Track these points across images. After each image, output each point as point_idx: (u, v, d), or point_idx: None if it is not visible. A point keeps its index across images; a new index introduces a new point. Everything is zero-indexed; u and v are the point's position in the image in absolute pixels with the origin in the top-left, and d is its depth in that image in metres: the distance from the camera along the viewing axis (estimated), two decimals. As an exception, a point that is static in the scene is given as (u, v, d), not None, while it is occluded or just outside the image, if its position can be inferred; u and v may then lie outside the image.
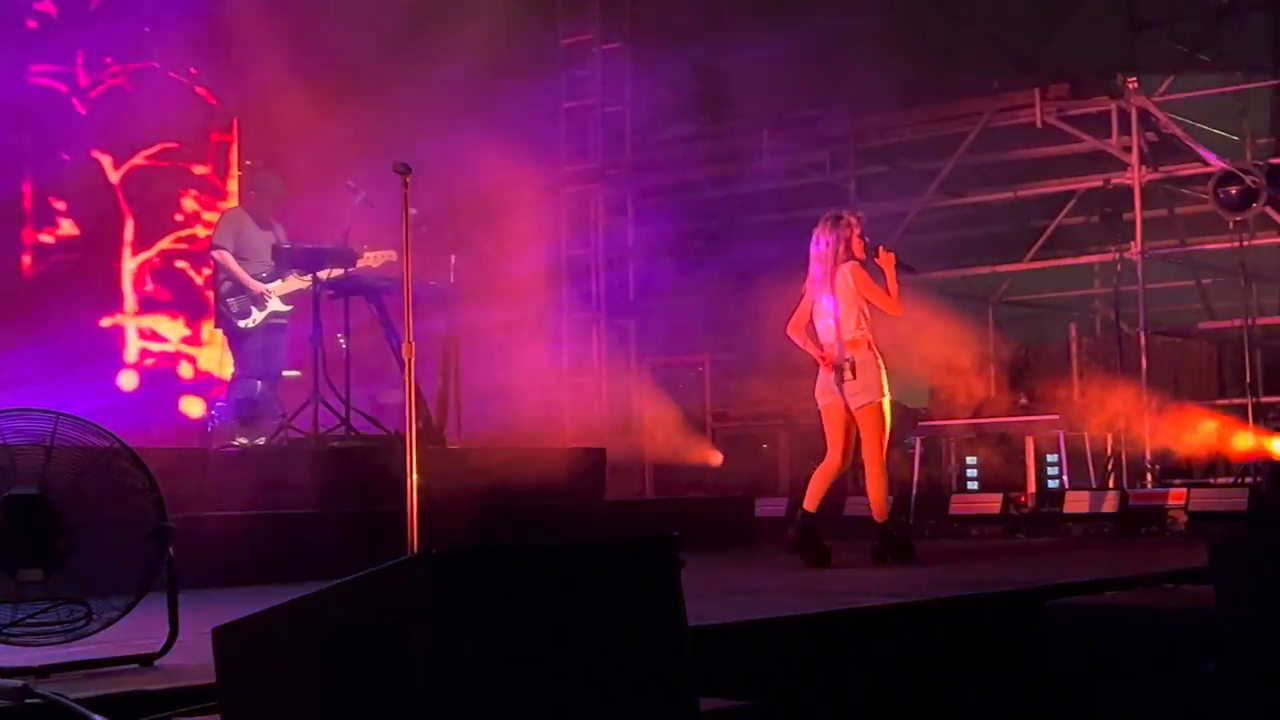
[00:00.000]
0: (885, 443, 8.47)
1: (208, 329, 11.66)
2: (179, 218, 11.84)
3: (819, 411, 8.73)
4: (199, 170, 11.97)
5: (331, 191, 9.88)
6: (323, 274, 9.46)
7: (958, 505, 11.92)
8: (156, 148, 11.60)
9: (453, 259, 10.35)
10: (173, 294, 11.73)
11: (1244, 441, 11.96)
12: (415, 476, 6.33)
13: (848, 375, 8.45)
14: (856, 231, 8.50)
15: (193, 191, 11.92)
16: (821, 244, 8.55)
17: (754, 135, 14.12)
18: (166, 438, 10.08)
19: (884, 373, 8.45)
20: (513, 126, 12.20)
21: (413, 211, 6.71)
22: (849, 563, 8.45)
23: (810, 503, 8.59)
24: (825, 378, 8.58)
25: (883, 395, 8.41)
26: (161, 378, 11.53)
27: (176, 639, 4.39)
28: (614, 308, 14.43)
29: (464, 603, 2.99)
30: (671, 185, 14.38)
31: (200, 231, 11.74)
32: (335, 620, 3.13)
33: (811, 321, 8.67)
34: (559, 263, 14.35)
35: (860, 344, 8.43)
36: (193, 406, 11.50)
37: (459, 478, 9.07)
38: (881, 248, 8.58)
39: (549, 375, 13.12)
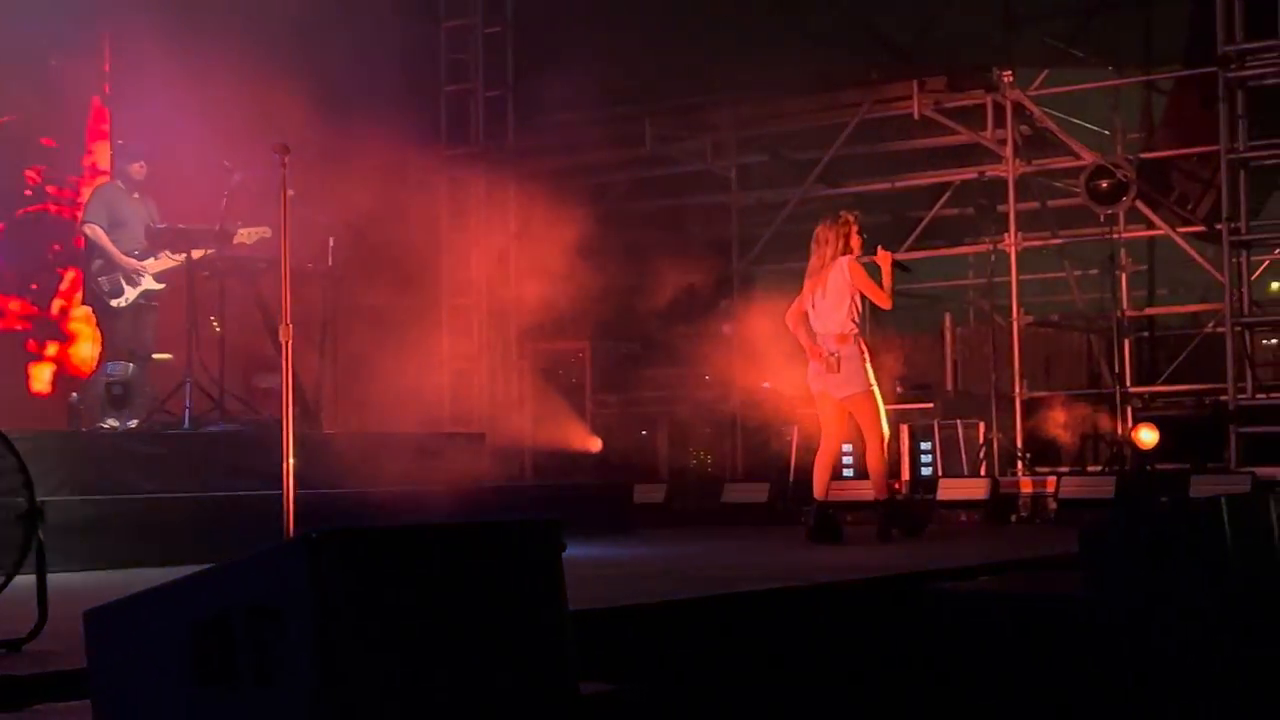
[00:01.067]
0: (882, 424, 9.00)
1: (60, 305, 11.39)
2: (28, 193, 11.54)
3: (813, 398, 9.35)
4: (47, 143, 11.65)
5: (207, 171, 9.71)
6: (197, 253, 9.31)
7: (834, 492, 12.00)
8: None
9: (331, 241, 10.24)
10: (18, 267, 11.42)
11: (1112, 430, 12.19)
12: (291, 461, 6.25)
13: (832, 367, 8.98)
14: (854, 228, 9.13)
15: (42, 165, 11.60)
16: (822, 238, 9.13)
17: (636, 122, 14.12)
18: (20, 416, 9.84)
19: (868, 363, 9.00)
20: (394, 109, 12.09)
21: (290, 193, 6.62)
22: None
23: (818, 491, 9.14)
24: (815, 366, 9.12)
25: (870, 384, 8.96)
26: (8, 352, 11.22)
27: (46, 623, 4.29)
28: (494, 292, 14.36)
29: (341, 586, 2.95)
30: (554, 170, 14.35)
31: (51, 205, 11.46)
32: (210, 604, 3.08)
33: (806, 311, 9.19)
34: (439, 246, 14.25)
35: (847, 337, 8.98)
36: (40, 382, 11.22)
37: (336, 463, 8.99)
38: (880, 247, 9.18)
39: (428, 359, 13.02)
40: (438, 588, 3.13)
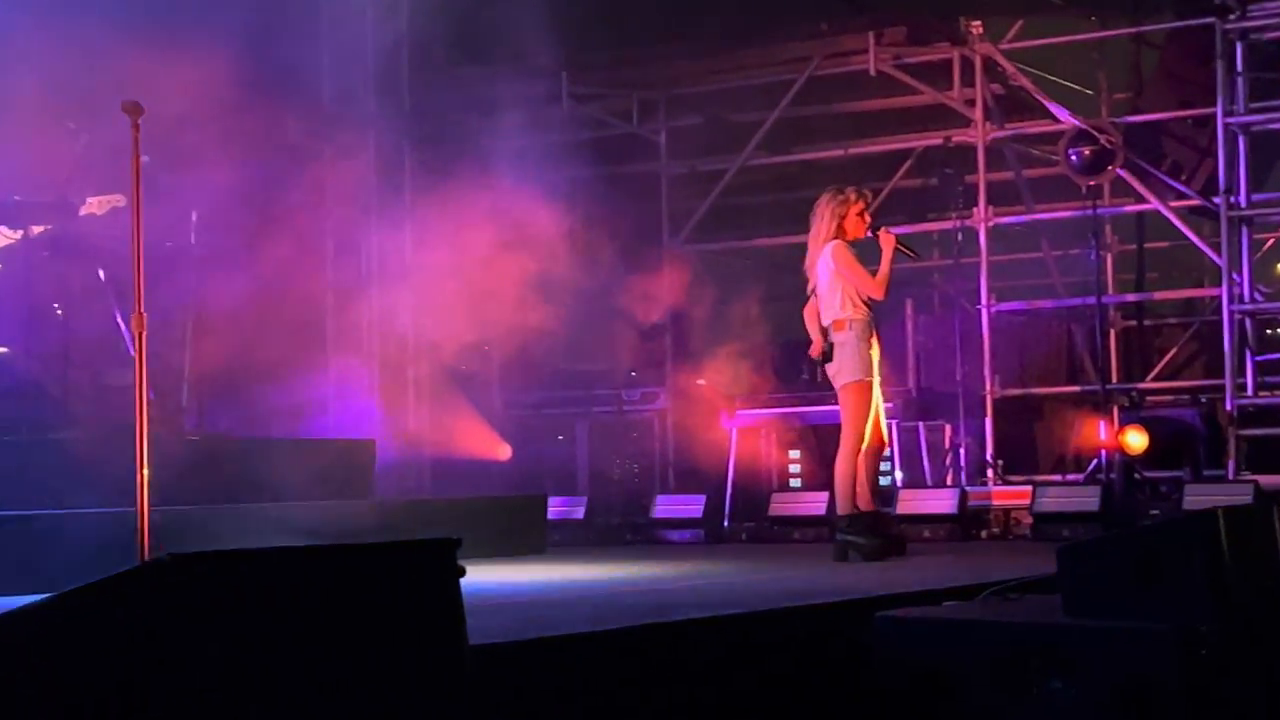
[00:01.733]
0: (862, 424, 9.18)
1: None
2: None
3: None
4: None
5: (49, 134, 9.58)
6: (36, 229, 9.18)
7: (779, 505, 12.06)
8: None
9: (194, 215, 10.14)
10: None
11: (1096, 433, 12.29)
12: (146, 472, 6.18)
13: (828, 356, 9.28)
14: (855, 209, 9.34)
15: None
16: (817, 216, 9.38)
17: (552, 79, 14.07)
18: None
19: (872, 352, 9.24)
20: (272, 64, 11.98)
21: (145, 159, 6.54)
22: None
23: (863, 502, 9.32)
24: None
25: (865, 375, 9.19)
26: None
27: None
28: (388, 276, 14.26)
29: (204, 614, 2.92)
30: (455, 133, 14.27)
31: None
32: (59, 634, 3.03)
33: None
34: (322, 222, 14.13)
35: (843, 324, 9.22)
36: None
37: (200, 473, 8.90)
38: (885, 228, 9.40)
39: (311, 354, 12.93)
40: (313, 620, 3.10)
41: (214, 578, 2.97)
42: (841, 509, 9.28)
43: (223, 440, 10.18)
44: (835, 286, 9.26)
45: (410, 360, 14.22)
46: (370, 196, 14.32)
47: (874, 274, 9.28)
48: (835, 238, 9.31)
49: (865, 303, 9.27)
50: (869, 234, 9.40)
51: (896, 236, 9.42)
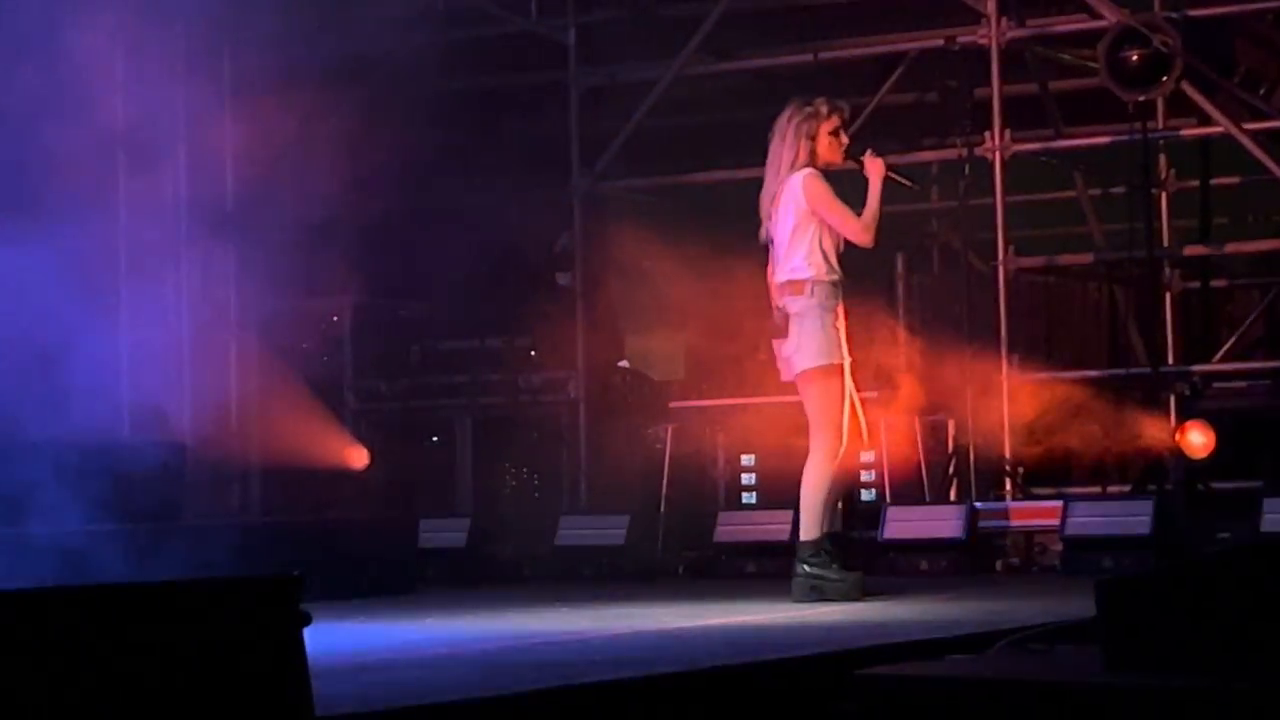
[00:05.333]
0: (837, 422, 9.23)
1: None
2: None
3: None
4: None
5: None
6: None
7: (728, 527, 12.09)
8: None
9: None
10: None
11: (1147, 430, 12.37)
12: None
13: (779, 330, 9.28)
14: (828, 126, 9.32)
15: None
16: (778, 136, 9.38)
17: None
18: None
19: (835, 325, 9.22)
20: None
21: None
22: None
23: (822, 521, 9.32)
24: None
25: (834, 356, 9.19)
26: None
27: None
28: (204, 226, 14.16)
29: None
30: (295, 32, 14.19)
31: None
32: None
33: None
34: (114, 143, 14.01)
35: (801, 286, 9.18)
36: None
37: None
38: (870, 150, 9.42)
39: (95, 323, 12.84)
40: (102, 682, 3.10)
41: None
42: (807, 533, 9.30)
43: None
44: (803, 232, 9.24)
45: (234, 338, 14.16)
46: (179, 116, 14.22)
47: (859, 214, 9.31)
48: (804, 165, 9.30)
49: (837, 257, 9.27)
50: (847, 160, 9.41)
51: (887, 163, 9.44)
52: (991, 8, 13.19)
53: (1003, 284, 13.06)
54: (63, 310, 11.63)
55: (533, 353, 14.34)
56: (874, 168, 9.37)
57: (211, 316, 13.97)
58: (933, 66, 14.05)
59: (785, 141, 9.38)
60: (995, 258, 13.12)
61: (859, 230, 9.24)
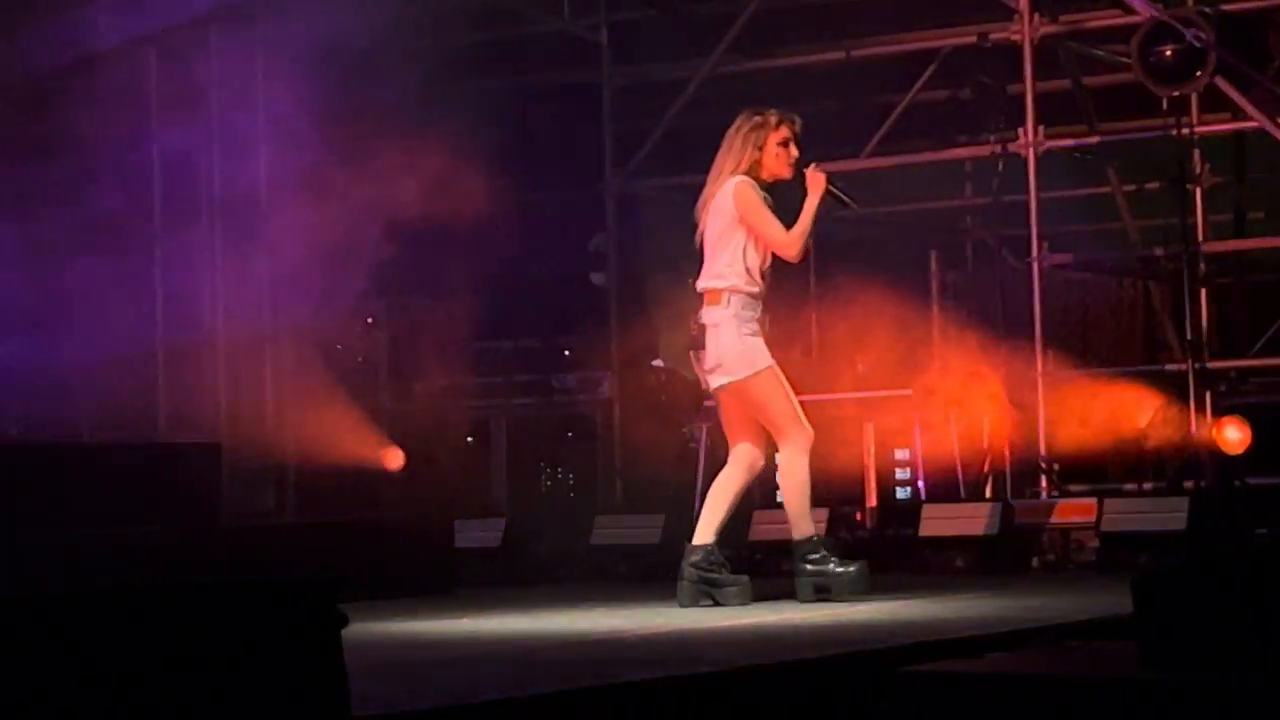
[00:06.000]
0: (790, 416, 9.12)
1: None
2: None
3: None
4: None
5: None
6: None
7: (763, 526, 12.09)
8: None
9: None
10: None
11: (1183, 427, 12.35)
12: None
13: (698, 342, 9.08)
14: (777, 137, 9.09)
15: None
16: (721, 154, 9.20)
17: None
18: None
19: (757, 334, 9.04)
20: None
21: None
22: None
23: (700, 531, 9.20)
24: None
25: (756, 365, 9.00)
26: None
27: None
28: (235, 219, 14.17)
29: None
30: (328, 28, 14.19)
31: None
32: None
33: None
34: (146, 145, 14.04)
35: (718, 295, 8.99)
36: None
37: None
38: (815, 165, 9.12)
39: (131, 325, 12.87)
40: (142, 686, 3.10)
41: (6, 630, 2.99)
42: (801, 531, 9.20)
43: (13, 444, 10.14)
44: (728, 240, 9.03)
45: (267, 337, 14.18)
46: (211, 107, 14.24)
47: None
48: (742, 174, 9.10)
49: (761, 271, 9.04)
50: (793, 174, 9.15)
51: (830, 178, 9.18)
52: (1024, 3, 13.18)
53: (1037, 280, 13.04)
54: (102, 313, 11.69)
55: (565, 353, 14.36)
56: (814, 182, 9.10)
57: (246, 317, 14.00)
58: (966, 63, 14.05)
59: (731, 150, 9.19)
60: (1029, 254, 13.11)
61: (785, 243, 8.99)
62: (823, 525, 11.62)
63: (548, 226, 14.19)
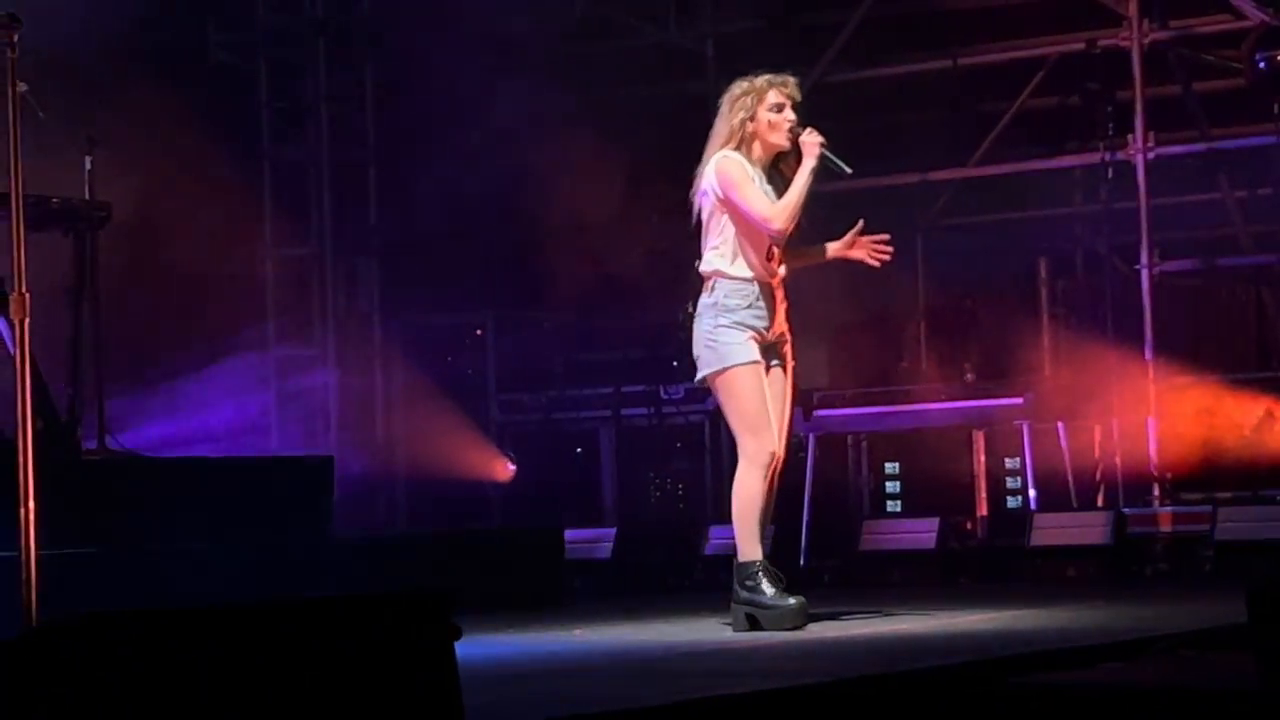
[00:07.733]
0: (754, 429, 8.22)
1: None
2: None
3: None
4: None
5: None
6: None
7: (872, 536, 12.07)
8: None
9: (88, 162, 10.18)
10: None
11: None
12: (32, 504, 6.21)
13: (687, 335, 8.40)
14: (768, 101, 8.31)
15: None
16: (715, 125, 8.41)
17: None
18: None
19: (732, 326, 8.23)
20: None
21: (22, 87, 6.57)
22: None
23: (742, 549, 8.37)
24: None
25: (727, 361, 8.22)
26: None
27: None
28: (345, 239, 14.30)
29: (120, 690, 2.95)
30: (431, 51, 14.27)
31: None
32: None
33: None
34: (260, 169, 14.18)
35: (706, 281, 8.28)
36: None
37: (104, 502, 8.95)
38: (810, 130, 8.31)
39: (246, 345, 12.97)
40: (263, 698, 3.12)
41: (135, 643, 3.01)
42: (741, 554, 8.39)
43: (131, 460, 10.21)
44: (716, 221, 8.28)
45: (377, 351, 14.26)
46: (321, 128, 14.35)
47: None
48: (734, 148, 8.31)
49: (763, 252, 8.26)
50: (792, 143, 8.31)
51: (824, 145, 8.28)
52: (1133, 10, 13.12)
53: (1147, 287, 12.98)
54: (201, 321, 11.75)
55: (674, 364, 14.34)
56: (809, 148, 8.24)
57: (357, 329, 14.09)
58: (1074, 70, 14.01)
59: (721, 122, 8.39)
60: (1140, 261, 13.05)
61: (769, 215, 8.13)
62: (933, 536, 11.65)
63: (655, 235, 14.19)
